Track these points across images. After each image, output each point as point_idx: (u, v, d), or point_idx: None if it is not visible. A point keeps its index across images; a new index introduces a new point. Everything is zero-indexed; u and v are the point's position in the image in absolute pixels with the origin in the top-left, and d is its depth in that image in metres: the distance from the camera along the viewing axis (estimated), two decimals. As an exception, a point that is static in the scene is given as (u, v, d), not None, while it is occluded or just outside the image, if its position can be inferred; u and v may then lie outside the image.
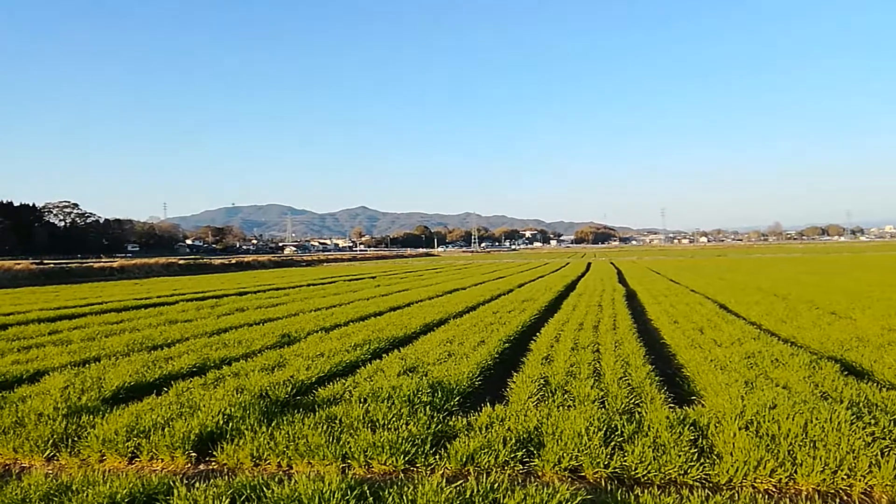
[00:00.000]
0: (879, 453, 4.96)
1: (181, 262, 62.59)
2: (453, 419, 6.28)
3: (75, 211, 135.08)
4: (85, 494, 4.45)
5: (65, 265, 51.54)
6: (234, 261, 71.75)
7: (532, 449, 5.42)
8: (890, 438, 5.27)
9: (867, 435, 5.23)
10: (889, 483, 4.64)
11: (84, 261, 67.45)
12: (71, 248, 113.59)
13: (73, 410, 6.74)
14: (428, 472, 5.12)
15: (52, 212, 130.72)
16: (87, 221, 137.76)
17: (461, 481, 4.60)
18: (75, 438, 6.07)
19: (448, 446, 5.49)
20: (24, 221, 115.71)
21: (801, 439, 5.27)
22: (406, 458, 5.31)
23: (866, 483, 4.73)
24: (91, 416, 6.55)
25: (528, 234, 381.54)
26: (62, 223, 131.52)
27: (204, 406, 6.66)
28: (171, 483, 4.68)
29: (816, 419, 5.55)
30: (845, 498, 4.67)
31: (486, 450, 5.31)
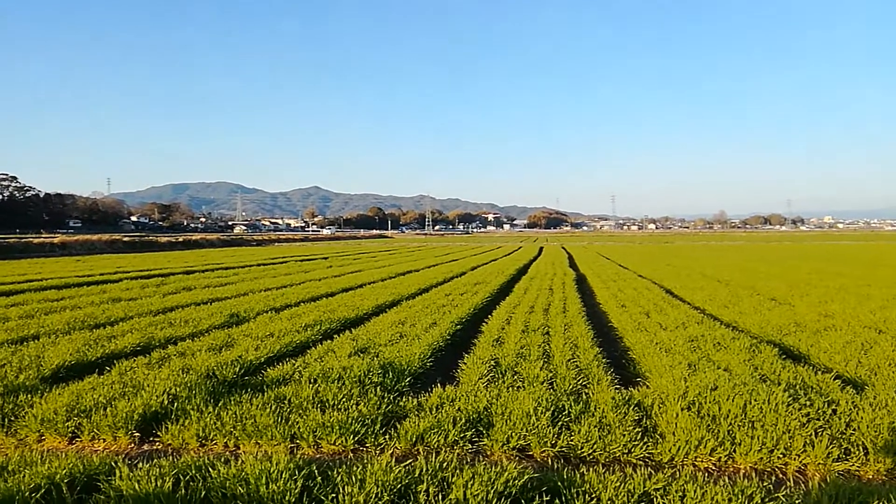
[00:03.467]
0: (814, 433, 5.18)
1: (126, 239, 60.76)
2: (404, 399, 6.29)
3: (14, 184, 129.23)
4: (22, 475, 4.30)
5: (2, 240, 49.43)
6: (181, 239, 69.97)
7: (481, 429, 5.48)
8: (823, 419, 5.51)
9: (802, 416, 5.46)
10: (822, 462, 4.86)
11: (23, 236, 64.89)
12: (9, 222, 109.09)
13: (10, 389, 6.51)
14: (378, 452, 5.12)
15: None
16: (27, 196, 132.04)
17: (410, 460, 4.61)
18: (12, 418, 5.86)
19: (398, 426, 5.50)
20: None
21: (740, 420, 5.46)
22: (356, 438, 5.31)
23: (801, 462, 4.93)
24: (29, 396, 6.34)
25: (482, 217, 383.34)
26: (0, 197, 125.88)
27: (148, 386, 6.51)
28: (113, 463, 4.55)
29: (755, 401, 5.76)
30: (781, 476, 4.86)
31: (435, 430, 5.34)
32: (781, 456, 4.97)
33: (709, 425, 5.37)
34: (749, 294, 15.51)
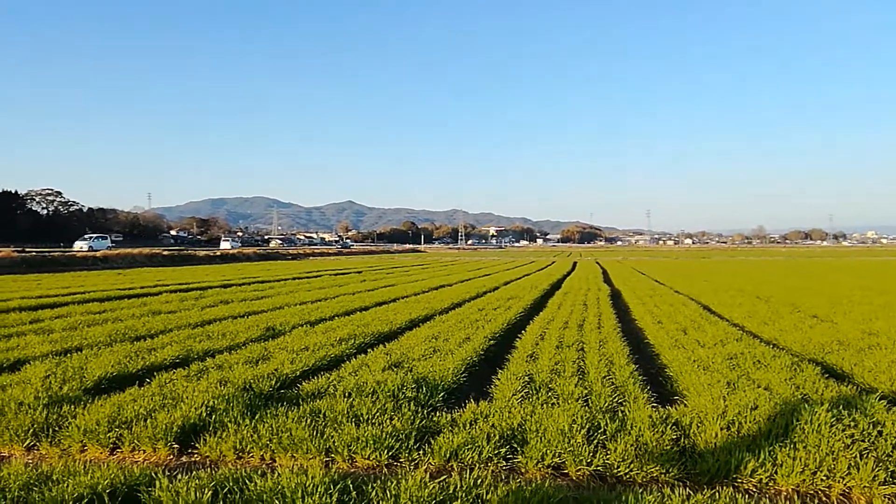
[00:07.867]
0: (858, 455, 5.02)
1: (165, 252, 61.99)
2: (437, 415, 6.29)
3: (58, 199, 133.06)
4: (65, 484, 4.41)
5: (47, 253, 50.85)
6: (218, 253, 71.19)
7: (515, 446, 5.44)
8: (869, 441, 5.35)
9: (847, 437, 5.30)
10: (867, 485, 4.71)
11: (67, 249, 66.69)
12: (53, 236, 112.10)
13: (55, 400, 6.68)
14: (412, 467, 5.13)
15: (34, 199, 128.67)
16: (71, 210, 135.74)
17: (444, 476, 4.61)
18: (56, 428, 6.01)
19: (432, 442, 5.50)
20: (5, 208, 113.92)
21: (781, 440, 5.33)
22: (390, 453, 5.32)
23: (845, 484, 4.79)
24: (72, 406, 6.50)
25: (515, 231, 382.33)
26: (45, 211, 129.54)
27: (187, 398, 6.63)
28: (153, 474, 4.64)
29: (797, 420, 5.62)
30: (824, 499, 4.73)
31: (469, 446, 5.33)
32: (825, 478, 4.83)
33: (749, 445, 5.26)
34: (789, 311, 15.15)
